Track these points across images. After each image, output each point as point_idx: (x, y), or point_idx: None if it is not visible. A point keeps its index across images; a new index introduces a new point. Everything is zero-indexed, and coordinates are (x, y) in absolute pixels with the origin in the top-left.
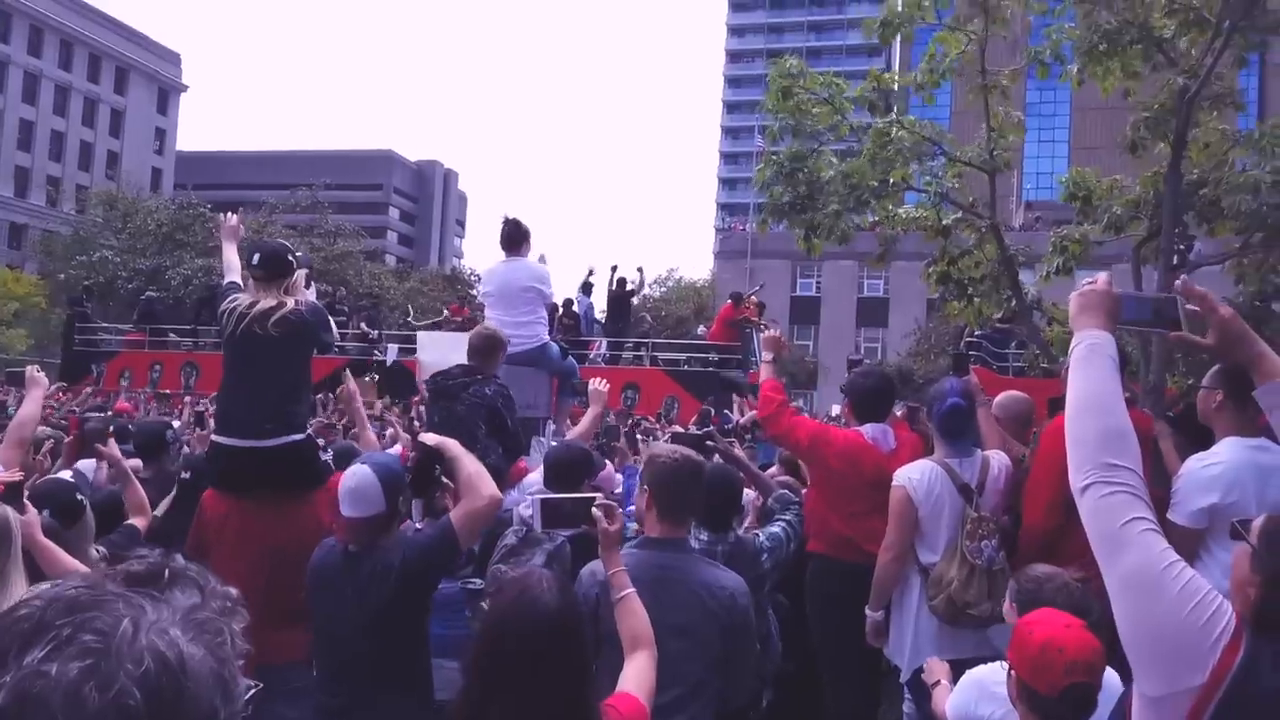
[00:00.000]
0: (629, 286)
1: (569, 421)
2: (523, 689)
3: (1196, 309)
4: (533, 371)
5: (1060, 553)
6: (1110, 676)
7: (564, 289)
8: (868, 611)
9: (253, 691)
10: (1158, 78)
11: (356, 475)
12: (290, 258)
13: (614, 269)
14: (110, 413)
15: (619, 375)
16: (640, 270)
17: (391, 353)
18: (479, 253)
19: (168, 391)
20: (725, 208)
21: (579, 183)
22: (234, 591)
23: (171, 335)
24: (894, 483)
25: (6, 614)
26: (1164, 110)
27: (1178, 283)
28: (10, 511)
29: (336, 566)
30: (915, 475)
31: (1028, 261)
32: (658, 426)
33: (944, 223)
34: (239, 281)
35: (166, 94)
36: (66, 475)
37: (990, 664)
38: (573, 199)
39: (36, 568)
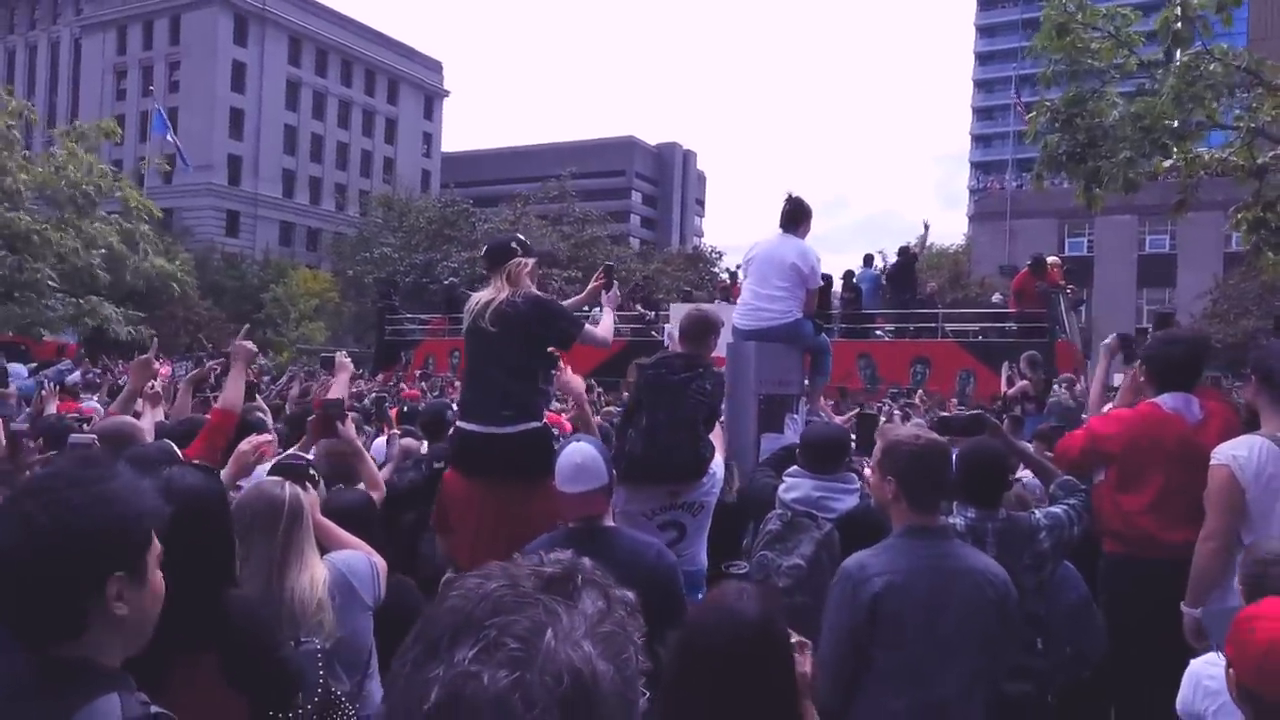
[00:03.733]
0: (912, 250)
1: (822, 400)
2: (714, 706)
3: None
4: (785, 348)
5: None
6: None
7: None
8: (1184, 609)
9: (644, 701)
10: None
11: (580, 451)
12: (512, 245)
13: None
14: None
15: (906, 349)
16: (926, 225)
17: (669, 333)
18: (719, 231)
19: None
20: (979, 166)
21: (820, 153)
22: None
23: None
24: (1214, 461)
25: (436, 603)
26: None
27: None
28: (299, 490)
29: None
30: (1242, 453)
31: None
32: (914, 403)
33: (1258, 161)
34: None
35: (431, 100)
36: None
37: (1207, 654)
38: (814, 170)
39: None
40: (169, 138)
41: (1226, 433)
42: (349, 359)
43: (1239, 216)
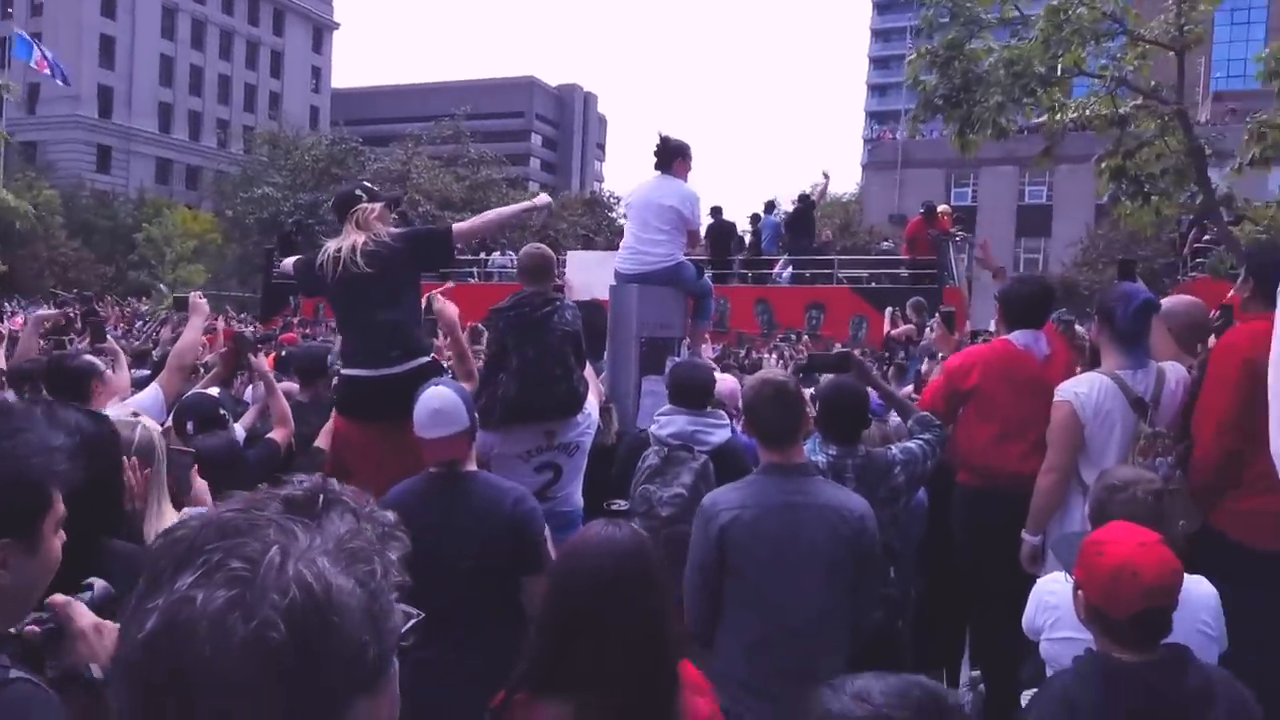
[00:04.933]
0: (811, 198)
1: (703, 342)
2: (593, 630)
3: None
4: (667, 291)
5: (1239, 482)
6: (1197, 585)
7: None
8: (1025, 536)
9: (414, 621)
10: None
11: (438, 395)
12: (357, 192)
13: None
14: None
15: (803, 295)
16: (826, 175)
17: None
18: (620, 176)
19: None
20: (874, 116)
21: (721, 99)
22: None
23: None
24: (1057, 398)
25: (166, 534)
26: None
27: None
28: (154, 431)
29: (431, 495)
30: (1082, 389)
31: (1215, 157)
32: (783, 347)
33: (1120, 111)
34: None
35: (321, 33)
36: (214, 392)
37: (1051, 574)
38: (713, 116)
39: None
40: (32, 63)
41: (1068, 370)
42: (204, 300)
43: (1102, 166)
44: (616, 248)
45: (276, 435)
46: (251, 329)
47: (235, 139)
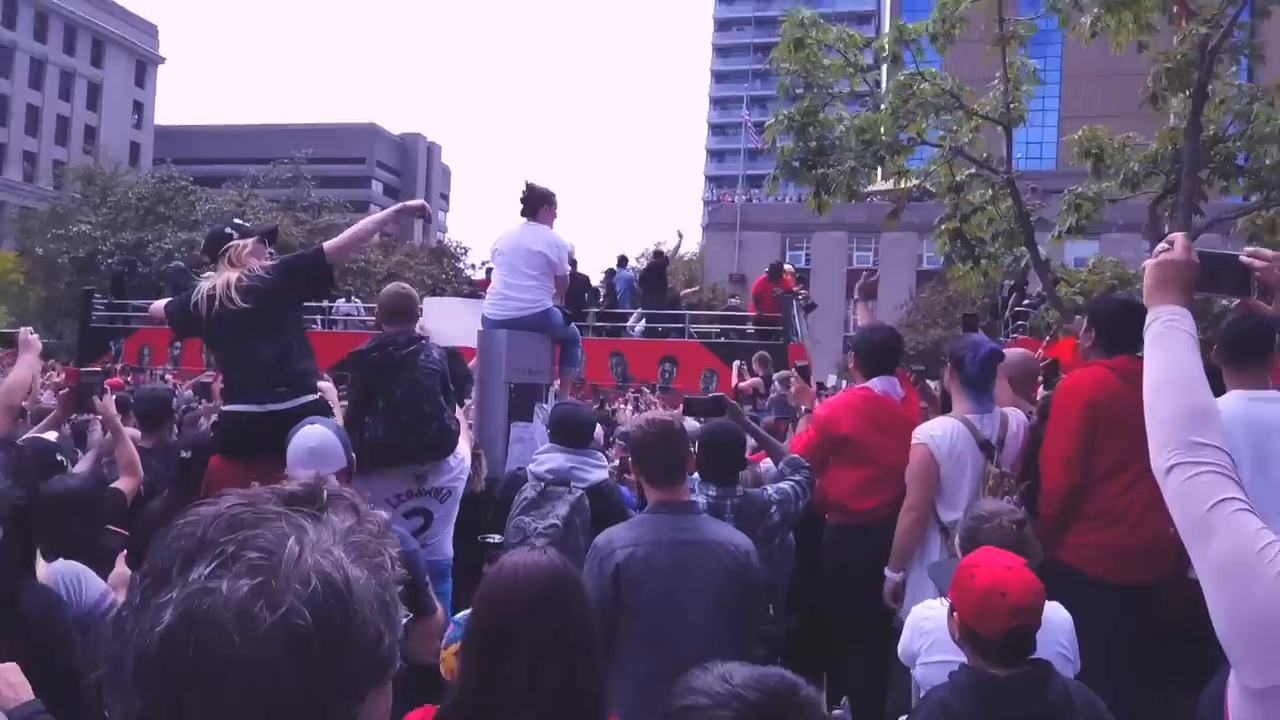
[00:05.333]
0: (665, 254)
1: (570, 390)
2: (521, 653)
3: (1263, 275)
4: (536, 337)
5: (1081, 514)
6: (1054, 611)
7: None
8: (888, 573)
9: (407, 621)
10: (1170, 32)
11: (314, 433)
12: (227, 230)
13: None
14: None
15: (656, 348)
16: (680, 234)
17: (421, 325)
18: (464, 227)
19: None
20: (713, 180)
21: (565, 156)
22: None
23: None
24: (915, 441)
25: (164, 533)
26: (1185, 62)
27: (1247, 250)
28: None
29: None
30: (937, 432)
31: (1036, 225)
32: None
33: (958, 178)
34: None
35: (144, 66)
36: (52, 436)
37: (926, 601)
38: (558, 172)
39: None
40: None
41: (918, 409)
42: (35, 335)
43: (940, 228)
44: (465, 296)
45: (123, 484)
46: (60, 376)
47: (45, 173)
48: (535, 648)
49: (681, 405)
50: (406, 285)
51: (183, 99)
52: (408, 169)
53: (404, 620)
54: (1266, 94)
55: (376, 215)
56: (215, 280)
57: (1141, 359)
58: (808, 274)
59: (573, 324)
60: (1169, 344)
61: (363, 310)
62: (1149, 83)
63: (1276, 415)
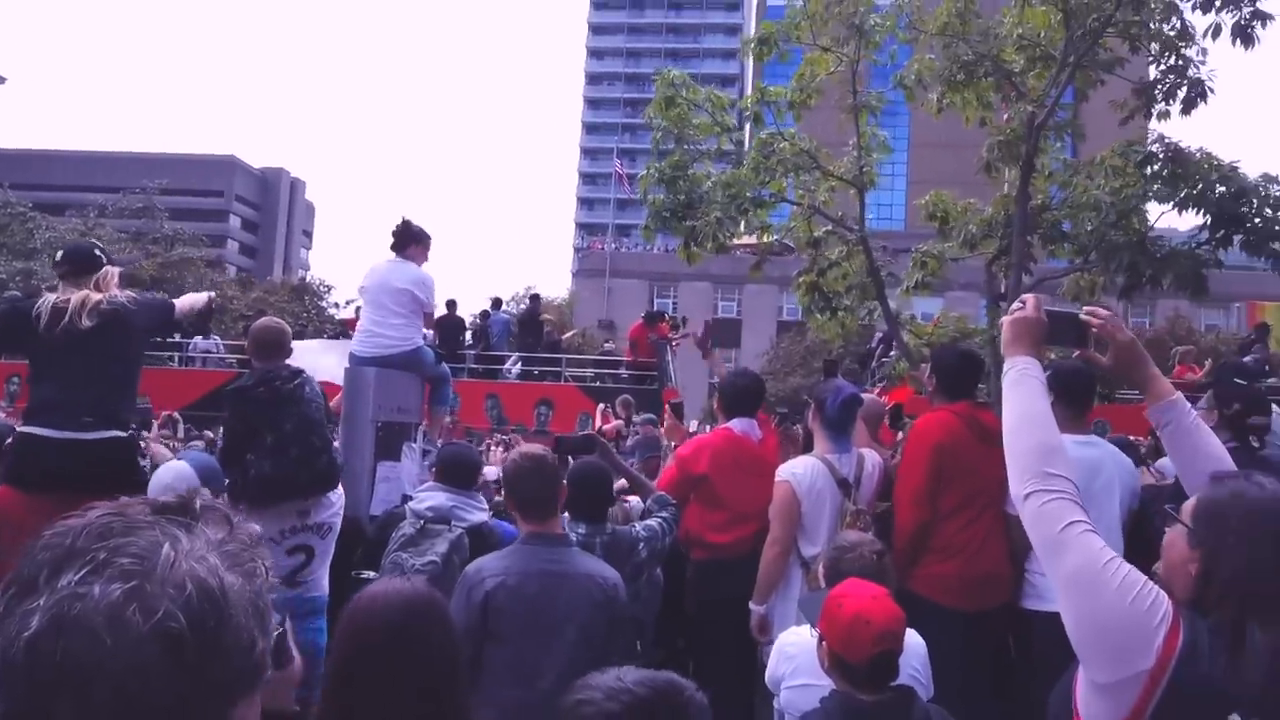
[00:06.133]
0: (540, 299)
1: (442, 431)
2: (382, 682)
3: (1098, 330)
4: (405, 375)
5: (928, 546)
6: (909, 637)
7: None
8: (752, 606)
9: (281, 629)
10: (1007, 109)
11: (171, 469)
12: (97, 253)
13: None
14: None
15: (532, 391)
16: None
17: None
18: (328, 265)
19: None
20: (584, 227)
21: (435, 198)
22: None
23: None
24: (777, 479)
25: (31, 546)
26: (1014, 136)
27: (1086, 309)
28: None
29: None
30: (799, 470)
31: (886, 280)
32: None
33: (815, 235)
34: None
35: None
36: None
37: (792, 628)
38: (429, 213)
39: None
40: None
41: (776, 450)
42: None
43: (800, 280)
44: (331, 336)
45: None
46: None
47: None
48: (395, 676)
49: (553, 444)
50: (275, 321)
51: (24, 121)
52: (268, 204)
53: (278, 626)
54: (1084, 168)
55: (195, 298)
56: (70, 296)
57: (980, 405)
58: (683, 322)
59: (443, 363)
60: (1024, 390)
61: (222, 347)
62: (984, 154)
63: (1096, 457)
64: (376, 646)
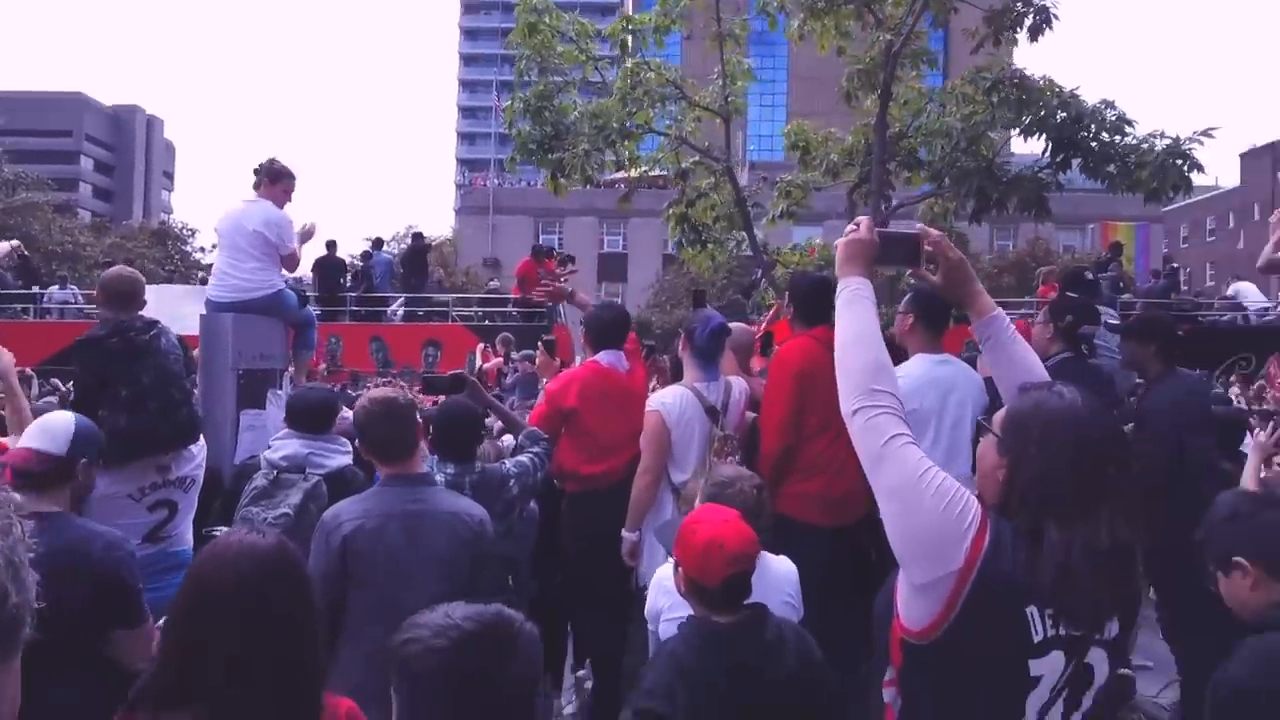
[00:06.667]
0: (426, 239)
1: (305, 376)
2: (233, 633)
3: (930, 249)
4: (266, 321)
5: (793, 468)
6: (780, 564)
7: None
8: (624, 533)
9: (121, 631)
10: (867, 37)
11: (53, 414)
12: None
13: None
14: None
15: (418, 332)
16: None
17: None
18: (193, 207)
19: None
20: (466, 163)
21: (309, 137)
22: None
23: None
24: (648, 408)
25: None
26: (873, 64)
27: (918, 226)
28: None
29: None
30: (669, 400)
31: (754, 210)
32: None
33: (683, 166)
34: None
35: None
36: None
37: (668, 562)
38: (302, 154)
39: None
40: None
41: (645, 381)
42: None
43: (669, 212)
44: (190, 281)
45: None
46: None
47: None
48: (244, 633)
49: (421, 383)
50: (127, 270)
51: None
52: (123, 144)
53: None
54: (938, 95)
55: None
56: None
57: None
58: (572, 258)
59: (308, 306)
60: (855, 309)
61: (80, 297)
62: (843, 83)
63: (951, 374)
64: (224, 596)
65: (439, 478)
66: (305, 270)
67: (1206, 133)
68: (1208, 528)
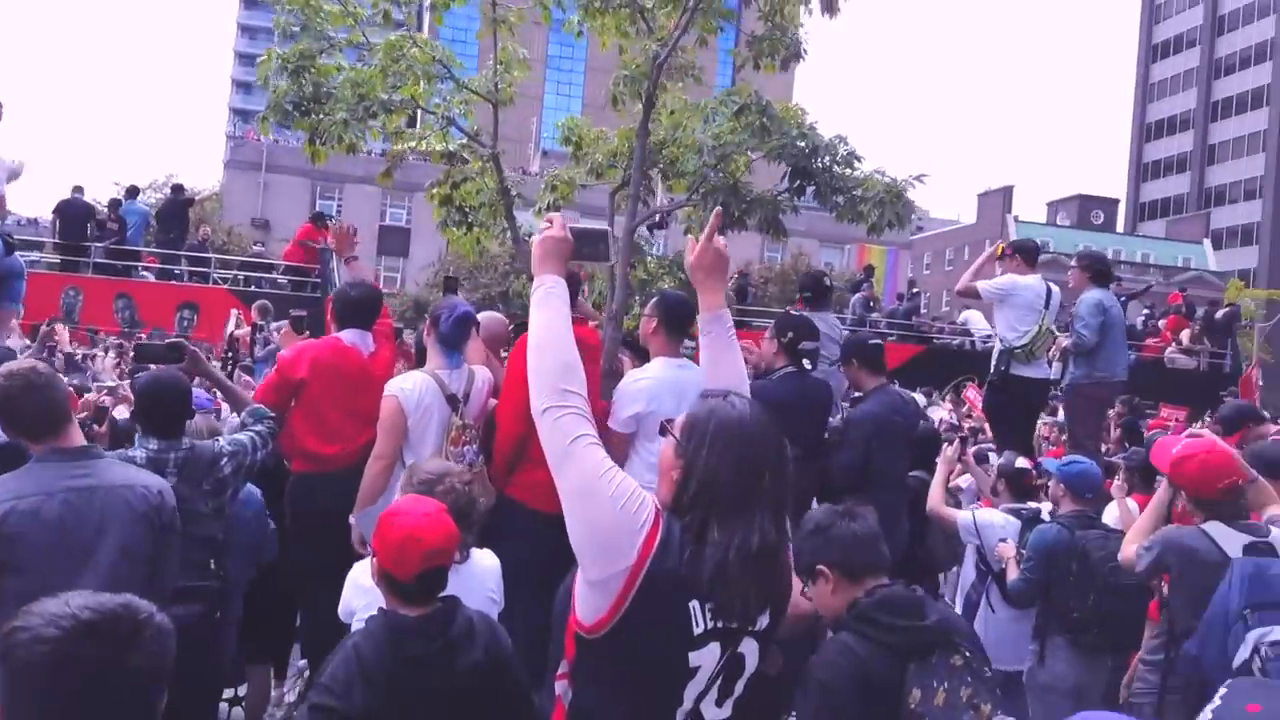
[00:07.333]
0: (189, 193)
1: (11, 329)
2: None
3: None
4: None
5: (527, 456)
6: (485, 559)
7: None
8: (352, 519)
9: None
10: (640, 41)
11: None
12: None
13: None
14: None
15: (174, 293)
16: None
17: None
18: None
19: None
20: (240, 113)
21: (57, 69)
22: None
23: None
24: (386, 393)
25: None
26: (639, 72)
27: (717, 209)
28: None
29: None
30: (407, 386)
31: (521, 200)
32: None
33: (449, 148)
34: None
35: None
36: None
37: (364, 560)
38: (44, 87)
39: None
40: None
41: (389, 367)
42: None
43: (433, 192)
44: None
45: None
46: None
47: None
48: None
49: (134, 350)
50: None
51: None
52: None
53: None
54: (697, 111)
55: None
56: None
57: (576, 320)
58: (354, 230)
59: (15, 254)
60: (548, 308)
61: None
62: (610, 87)
63: (688, 378)
64: None
65: (138, 453)
66: (44, 214)
67: (919, 177)
68: (797, 540)
